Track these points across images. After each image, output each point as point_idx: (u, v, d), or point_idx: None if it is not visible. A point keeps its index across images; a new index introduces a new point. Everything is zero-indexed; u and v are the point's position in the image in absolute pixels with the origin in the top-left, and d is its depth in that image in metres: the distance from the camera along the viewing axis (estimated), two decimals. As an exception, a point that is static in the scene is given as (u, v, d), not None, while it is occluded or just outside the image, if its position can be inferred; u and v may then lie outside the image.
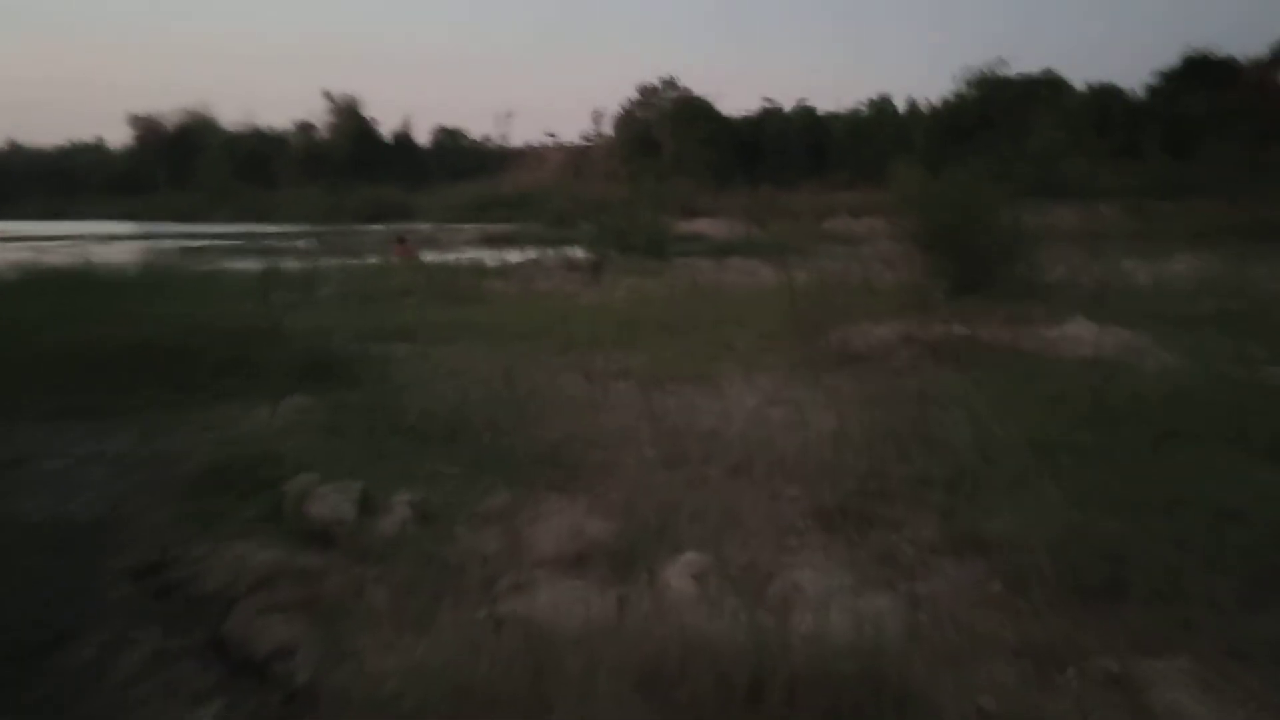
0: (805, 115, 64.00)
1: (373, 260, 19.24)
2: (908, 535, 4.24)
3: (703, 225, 36.84)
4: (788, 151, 59.86)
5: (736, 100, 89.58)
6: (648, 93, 65.73)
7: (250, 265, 25.42)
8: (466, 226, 44.32)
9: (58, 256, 27.37)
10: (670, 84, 64.84)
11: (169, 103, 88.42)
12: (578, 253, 16.86)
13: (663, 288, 12.87)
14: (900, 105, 62.56)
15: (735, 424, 6.17)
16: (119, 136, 78.74)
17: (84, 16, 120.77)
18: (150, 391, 7.48)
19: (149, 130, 74.15)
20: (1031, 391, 6.20)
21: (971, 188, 12.79)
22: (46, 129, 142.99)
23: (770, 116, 64.11)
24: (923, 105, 59.83)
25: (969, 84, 54.66)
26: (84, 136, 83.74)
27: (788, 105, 64.91)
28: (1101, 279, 11.62)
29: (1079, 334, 8.07)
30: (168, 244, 39.60)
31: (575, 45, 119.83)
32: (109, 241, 39.78)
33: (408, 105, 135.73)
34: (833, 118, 63.43)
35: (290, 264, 23.35)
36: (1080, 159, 39.94)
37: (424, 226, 48.38)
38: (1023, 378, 6.75)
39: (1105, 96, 51.22)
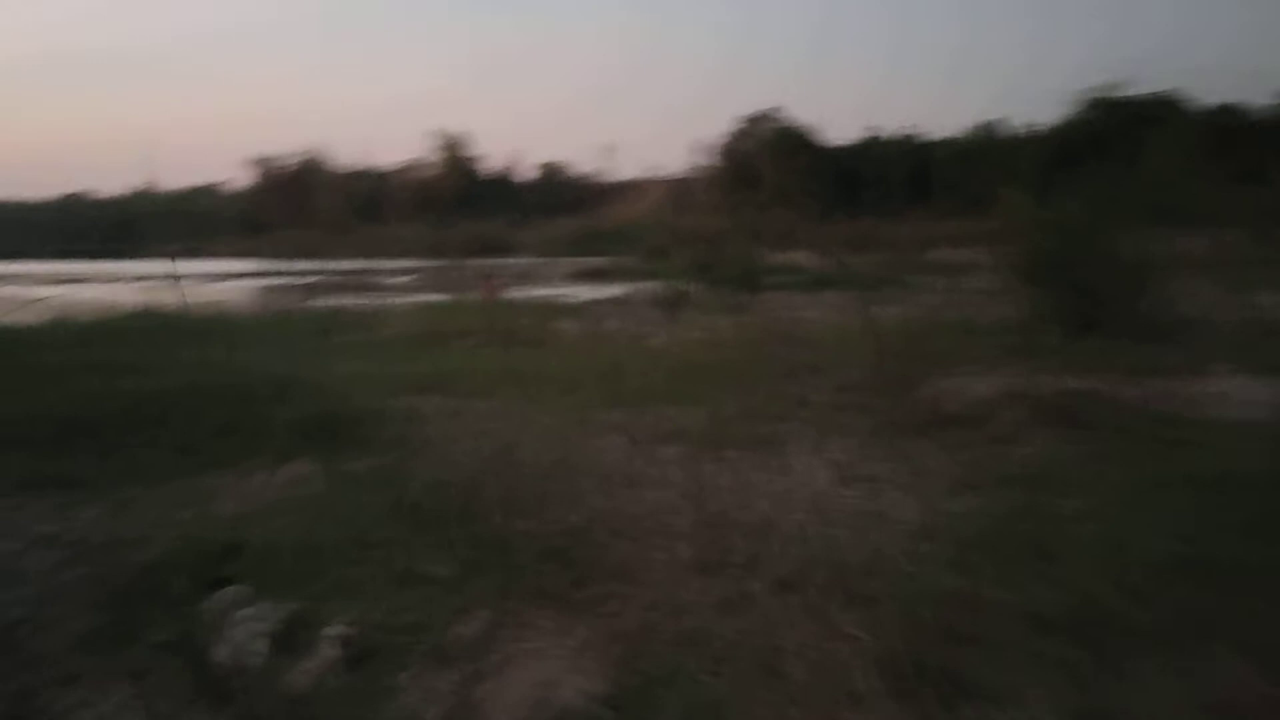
0: (907, 142, 61.93)
1: (457, 296, 18.37)
2: (1014, 717, 2.88)
3: (800, 257, 35.33)
4: (890, 180, 57.91)
5: (838, 129, 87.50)
6: (749, 123, 64.50)
7: (340, 301, 25.03)
8: (565, 261, 43.66)
9: (163, 296, 27.46)
10: (771, 114, 63.50)
11: (290, 144, 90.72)
12: (666, 287, 15.61)
13: (742, 328, 11.58)
14: (1008, 130, 60.00)
15: (795, 511, 4.85)
16: (245, 178, 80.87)
17: (207, 63, 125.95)
18: (142, 455, 6.53)
19: (271, 172, 75.93)
20: (1177, 474, 4.72)
21: (1086, 212, 11.21)
22: (179, 172, 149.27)
23: (872, 144, 62.21)
24: (1032, 130, 57.16)
25: (1082, 106, 52.05)
26: (214, 179, 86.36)
27: (890, 132, 62.95)
28: (1242, 317, 9.88)
29: (1228, 389, 6.52)
30: (276, 281, 39.90)
31: (679, 77, 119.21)
32: (221, 280, 40.26)
33: (514, 142, 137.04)
34: (936, 144, 61.18)
35: (370, 301, 22.82)
36: (1201, 182, 37.25)
37: (523, 261, 47.98)
38: (1163, 453, 5.26)
39: (1227, 116, 48.06)
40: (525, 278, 36.10)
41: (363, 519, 5.23)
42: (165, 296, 29.47)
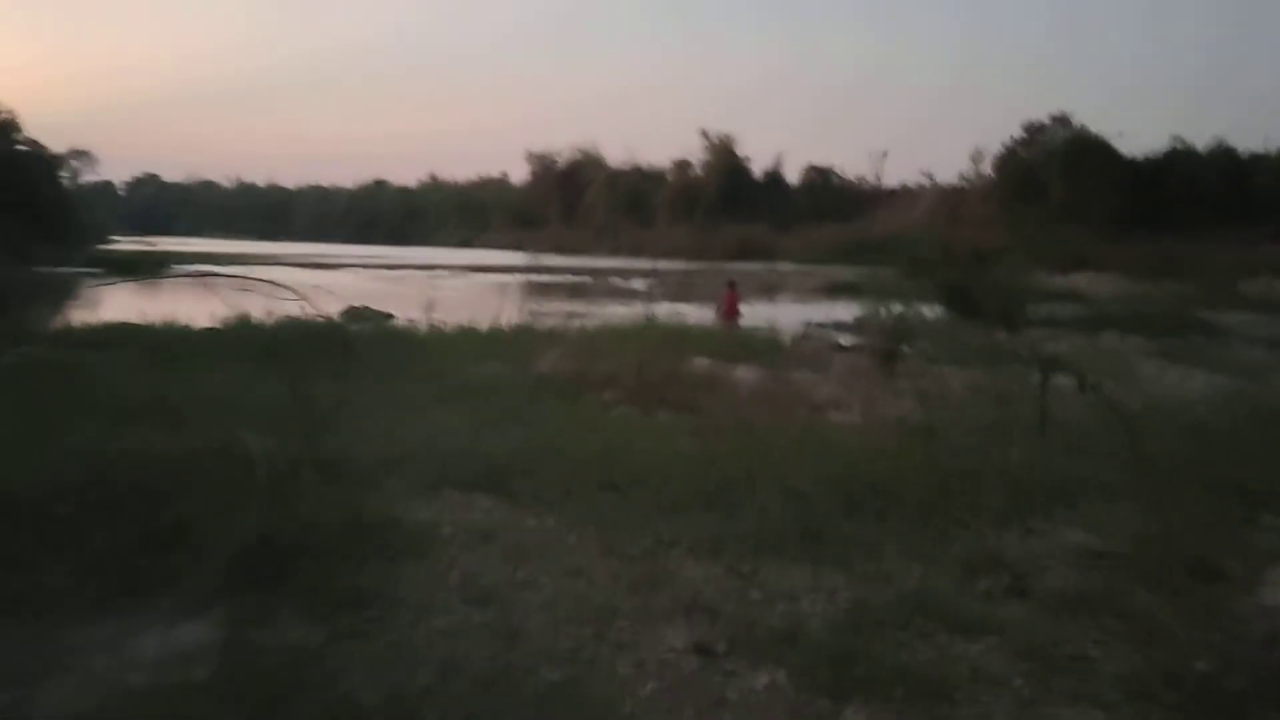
0: (1223, 155, 53.94)
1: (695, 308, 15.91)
2: None
3: (1083, 281, 30.63)
4: (1200, 197, 50.56)
5: (1139, 140, 76.39)
6: (1034, 130, 58.46)
7: (557, 308, 23.43)
8: (820, 270, 40.55)
9: (387, 288, 27.02)
10: (1061, 120, 57.21)
11: (563, 141, 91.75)
12: (886, 329, 12.39)
13: (971, 399, 8.47)
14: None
15: None
16: (520, 173, 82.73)
17: (485, 66, 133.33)
18: (43, 563, 4.56)
19: (544, 167, 77.05)
20: None
21: None
22: (460, 161, 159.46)
23: (1179, 156, 54.64)
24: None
25: None
26: (490, 169, 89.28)
27: (1201, 143, 55.11)
28: None
29: None
30: (524, 278, 39.43)
31: (957, 81, 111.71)
32: (475, 272, 40.19)
33: (781, 143, 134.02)
34: (1258, 158, 52.99)
35: (587, 308, 20.93)
36: None
37: (778, 268, 45.28)
38: None
39: None
40: (771, 289, 33.42)
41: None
42: (403, 290, 29.16)
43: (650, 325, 12.49)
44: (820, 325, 17.79)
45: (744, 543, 4.76)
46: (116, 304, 18.74)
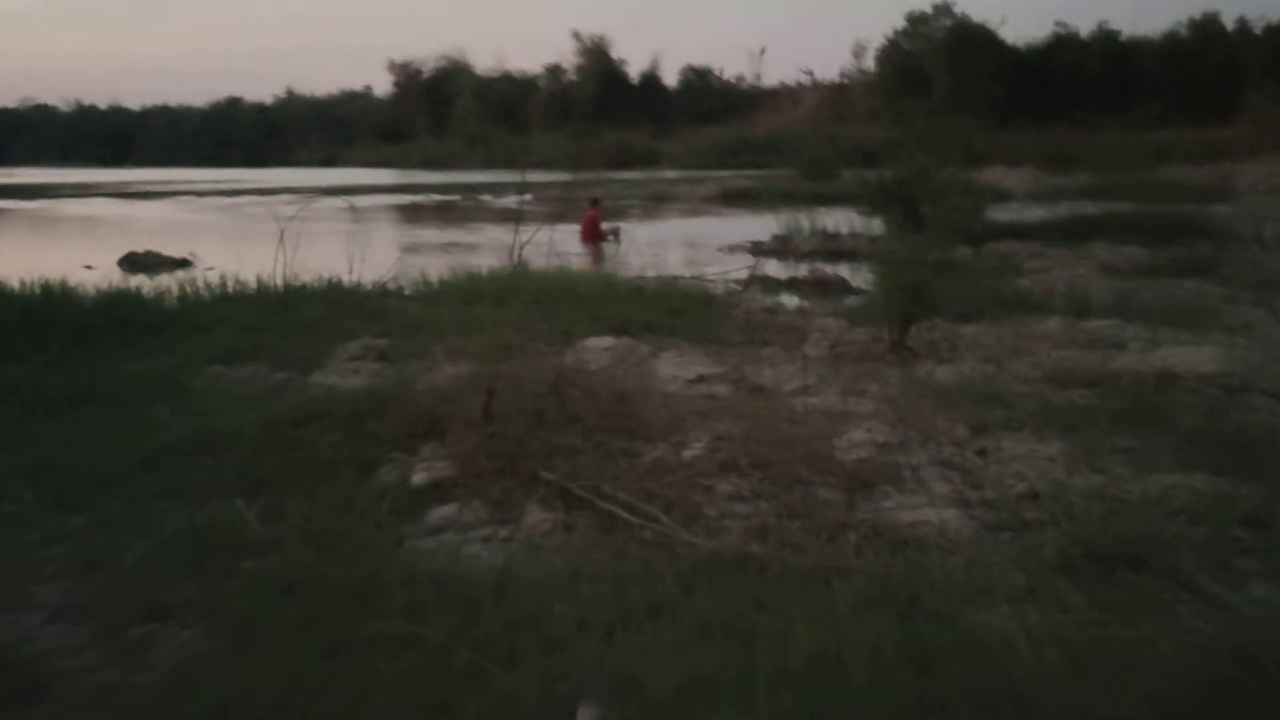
0: (1106, 40, 51.28)
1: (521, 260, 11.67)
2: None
3: (995, 175, 27.11)
4: (1085, 83, 47.89)
5: (1022, 26, 70.74)
6: (917, 21, 54.79)
7: (421, 235, 18.75)
8: (709, 177, 36.23)
9: (214, 218, 21.68)
10: (943, 10, 53.60)
11: (427, 49, 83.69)
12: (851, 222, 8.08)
13: (1090, 400, 4.51)
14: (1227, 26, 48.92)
15: None
16: (384, 85, 75.33)
17: None
18: None
19: (408, 77, 70.08)
20: None
21: None
22: (321, 77, 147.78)
23: (1063, 43, 51.79)
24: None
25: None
26: (354, 84, 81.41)
27: (1085, 29, 52.32)
28: None
29: None
30: (387, 199, 34.01)
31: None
32: (316, 197, 34.25)
33: (656, 44, 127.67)
34: (1141, 42, 50.49)
35: (448, 237, 16.42)
36: None
37: (663, 176, 40.87)
38: None
39: None
40: (660, 200, 29.05)
41: None
42: (230, 222, 23.85)
43: (521, 277, 8.12)
44: (739, 249, 13.69)
45: None
46: None
